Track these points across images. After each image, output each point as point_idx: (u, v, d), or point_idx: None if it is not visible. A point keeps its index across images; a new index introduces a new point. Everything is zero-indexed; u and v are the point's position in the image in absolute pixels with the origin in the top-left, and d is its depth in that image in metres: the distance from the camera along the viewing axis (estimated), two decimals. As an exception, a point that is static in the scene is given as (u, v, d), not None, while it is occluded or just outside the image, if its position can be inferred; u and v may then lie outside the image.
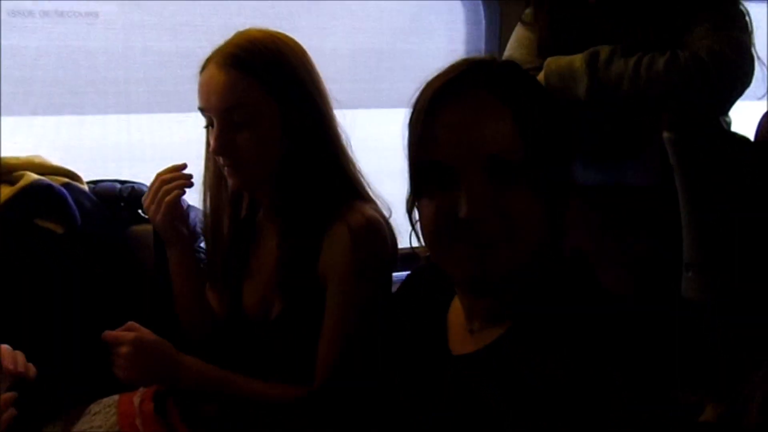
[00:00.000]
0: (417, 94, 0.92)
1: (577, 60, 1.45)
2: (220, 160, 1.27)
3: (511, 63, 1.02)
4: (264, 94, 1.22)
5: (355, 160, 1.32)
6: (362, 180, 1.32)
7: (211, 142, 1.24)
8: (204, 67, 1.26)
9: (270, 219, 1.36)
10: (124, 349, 1.16)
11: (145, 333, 1.19)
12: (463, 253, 0.88)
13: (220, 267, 1.39)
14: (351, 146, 1.32)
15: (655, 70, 1.39)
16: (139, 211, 1.58)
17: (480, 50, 2.12)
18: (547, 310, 0.86)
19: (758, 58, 1.43)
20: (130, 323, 1.20)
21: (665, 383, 0.79)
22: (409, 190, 0.95)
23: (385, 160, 2.12)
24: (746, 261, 1.21)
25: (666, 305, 1.28)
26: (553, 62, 1.49)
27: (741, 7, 1.47)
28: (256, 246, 1.38)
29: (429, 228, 0.91)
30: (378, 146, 2.13)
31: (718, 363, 1.09)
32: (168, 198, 1.32)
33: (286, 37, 1.29)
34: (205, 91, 1.25)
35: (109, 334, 1.17)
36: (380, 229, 1.25)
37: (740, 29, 1.43)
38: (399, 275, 1.30)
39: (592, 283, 0.92)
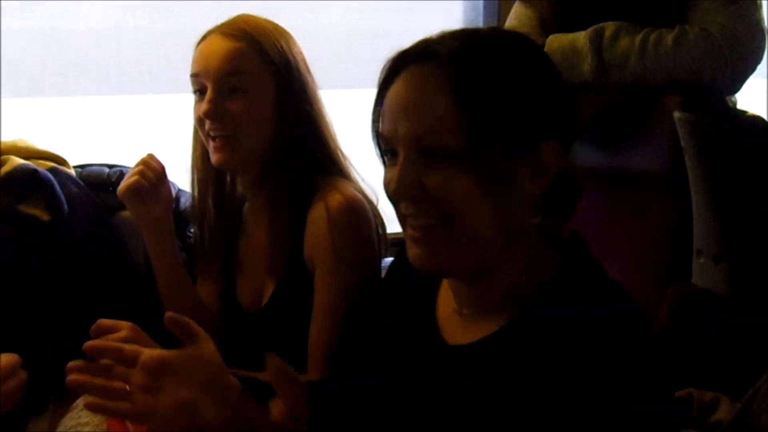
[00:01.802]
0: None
1: (581, 37, 1.41)
2: (208, 128, 1.23)
3: (474, 39, 0.88)
4: (264, 66, 1.24)
5: (341, 145, 1.32)
6: (350, 166, 1.32)
7: (203, 106, 1.22)
8: (204, 38, 1.27)
9: (256, 205, 1.34)
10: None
11: None
12: (408, 234, 0.86)
13: (210, 253, 1.36)
14: (336, 131, 1.32)
15: (663, 47, 1.34)
16: None
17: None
18: (548, 304, 0.82)
19: None
20: None
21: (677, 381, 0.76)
22: None
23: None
24: (757, 244, 1.18)
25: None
26: (555, 40, 1.44)
27: None
28: (245, 235, 1.37)
29: (390, 199, 0.88)
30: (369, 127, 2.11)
31: (733, 359, 1.06)
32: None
33: (281, 26, 1.31)
34: (204, 57, 1.24)
35: None
36: (360, 209, 1.24)
37: (750, 4, 1.39)
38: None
39: (595, 271, 0.87)
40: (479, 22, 2.10)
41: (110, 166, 1.59)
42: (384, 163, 0.88)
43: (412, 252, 0.85)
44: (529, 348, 0.80)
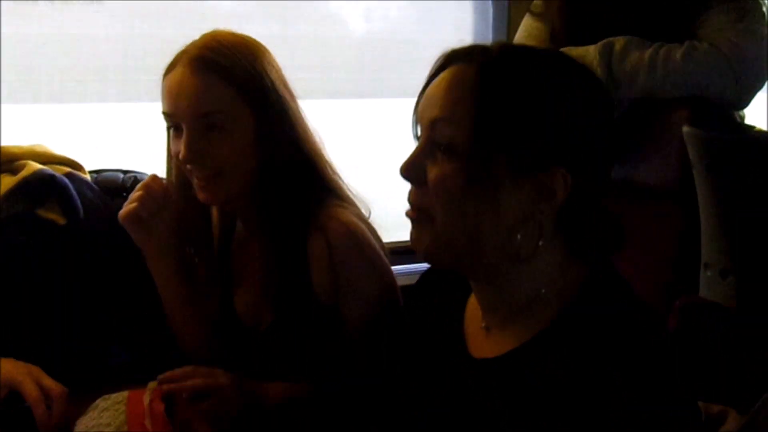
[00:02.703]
0: None
1: (591, 51, 1.42)
2: (190, 171, 1.20)
3: (507, 47, 0.93)
4: (239, 99, 1.17)
5: (331, 161, 1.27)
6: (340, 181, 1.28)
7: (180, 150, 1.17)
8: (170, 70, 1.18)
9: (250, 230, 1.30)
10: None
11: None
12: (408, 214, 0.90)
13: (204, 275, 1.34)
14: (325, 146, 1.27)
15: (672, 62, 1.36)
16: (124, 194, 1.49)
17: (488, 40, 2.10)
18: (570, 321, 0.82)
19: None
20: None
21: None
22: None
23: (388, 149, 2.12)
24: (764, 260, 1.19)
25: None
26: (565, 54, 1.45)
27: None
28: (239, 249, 1.33)
29: None
30: (383, 136, 2.12)
31: (740, 371, 1.07)
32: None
33: (254, 40, 1.24)
34: (174, 95, 1.17)
35: None
36: (361, 234, 1.21)
37: (758, 20, 1.41)
38: (398, 268, 1.30)
39: (621, 291, 0.87)
40: (488, 35, 2.11)
41: (125, 172, 1.59)
42: None
43: (410, 233, 0.89)
44: (553, 363, 0.80)
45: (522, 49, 0.97)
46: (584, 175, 0.84)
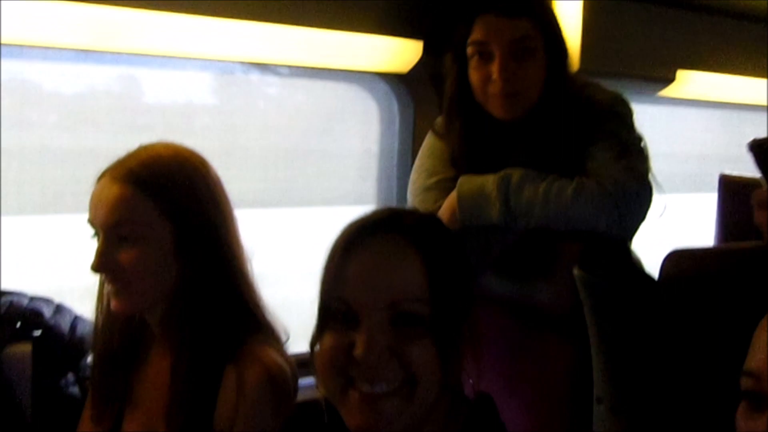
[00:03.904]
0: (336, 235, 0.94)
1: (489, 183, 1.45)
2: (105, 278, 1.19)
3: (429, 215, 1.06)
4: (158, 213, 1.16)
5: (254, 284, 1.25)
6: (261, 307, 1.25)
7: (93, 258, 1.16)
8: (99, 179, 1.20)
9: (161, 344, 1.26)
10: None
11: None
12: (355, 399, 0.88)
13: (103, 390, 1.28)
14: (252, 267, 1.25)
15: (564, 198, 1.40)
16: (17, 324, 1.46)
17: (393, 150, 2.13)
18: None
19: (656, 182, 1.48)
20: None
21: None
22: (315, 325, 0.95)
23: (293, 260, 2.09)
24: (653, 398, 1.21)
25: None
26: (465, 183, 1.48)
27: (637, 133, 1.51)
28: (145, 368, 1.28)
29: (325, 364, 0.90)
30: (288, 245, 2.09)
31: None
32: None
33: (192, 154, 1.24)
34: (94, 203, 1.18)
35: None
36: (280, 381, 1.17)
37: (639, 156, 1.48)
38: (302, 381, 1.24)
39: (498, 430, 0.94)
40: (395, 146, 2.14)
41: (0, 294, 1.49)
42: (326, 327, 0.91)
43: (359, 420, 0.87)
44: None
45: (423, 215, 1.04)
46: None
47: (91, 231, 1.20)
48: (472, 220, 1.46)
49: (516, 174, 1.45)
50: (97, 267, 1.16)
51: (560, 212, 1.40)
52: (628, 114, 1.53)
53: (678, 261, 1.19)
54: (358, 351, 0.85)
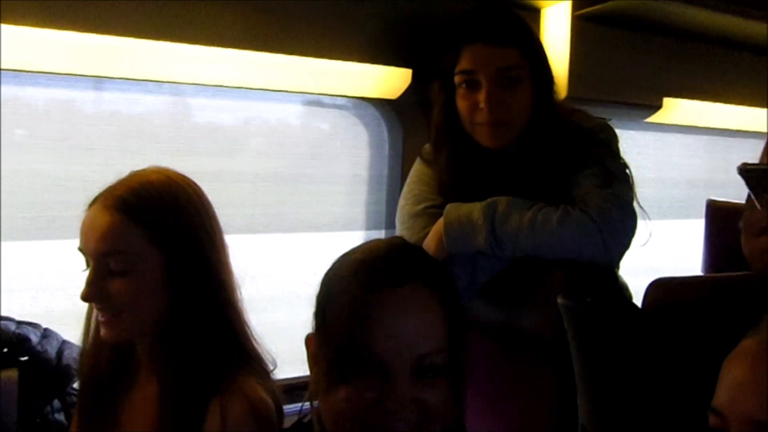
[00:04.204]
0: (346, 274, 0.94)
1: (476, 212, 1.46)
2: (95, 307, 1.19)
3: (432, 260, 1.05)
4: (149, 243, 1.16)
5: (243, 313, 1.25)
6: (250, 336, 1.25)
7: (83, 288, 1.16)
8: (90, 206, 1.19)
9: (148, 370, 1.26)
10: None
11: None
12: None
13: (89, 416, 1.27)
14: (242, 297, 1.25)
15: (549, 227, 1.42)
16: (4, 350, 1.47)
17: (383, 176, 2.14)
18: None
19: (641, 207, 1.51)
20: None
21: None
22: (326, 373, 0.93)
23: (282, 285, 2.08)
24: (636, 427, 1.21)
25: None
26: (453, 211, 1.49)
27: (622, 160, 1.54)
28: (131, 392, 1.27)
29: (347, 415, 0.91)
30: (276, 271, 2.09)
31: None
32: None
33: (184, 180, 1.23)
34: (84, 232, 1.18)
35: None
36: (265, 417, 1.16)
37: (623, 184, 1.50)
38: (288, 408, 1.23)
39: None
40: (384, 172, 2.15)
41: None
42: (343, 377, 0.90)
43: None
44: None
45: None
46: None
47: (82, 259, 1.19)
48: (459, 248, 1.46)
49: (502, 202, 1.46)
50: (87, 297, 1.16)
51: (546, 240, 1.42)
52: (614, 141, 1.55)
53: (661, 290, 1.20)
54: (389, 404, 0.88)
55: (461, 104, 1.52)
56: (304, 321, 1.01)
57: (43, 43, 1.48)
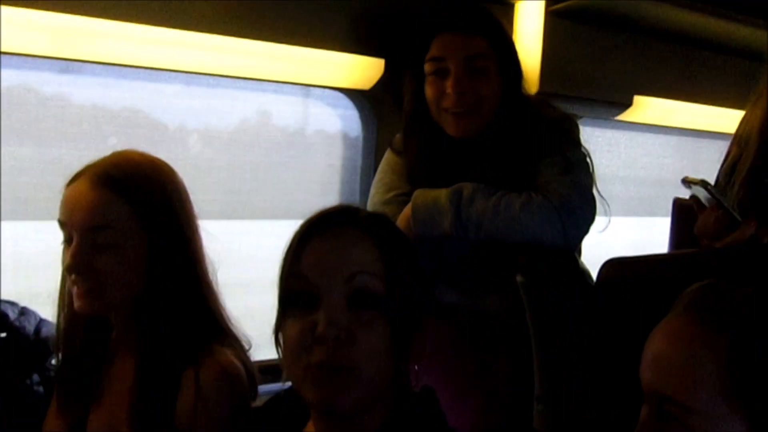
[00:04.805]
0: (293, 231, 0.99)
1: (443, 196, 1.50)
2: (72, 279, 1.20)
3: (377, 213, 1.11)
4: (134, 219, 1.19)
5: (218, 294, 1.28)
6: (225, 315, 1.28)
7: (67, 258, 1.18)
8: (72, 181, 1.21)
9: (125, 344, 1.28)
10: None
11: None
12: (316, 375, 0.92)
13: (69, 389, 1.30)
14: (217, 279, 1.29)
15: (512, 212, 1.46)
16: None
17: (356, 165, 2.17)
18: None
19: (600, 196, 1.55)
20: None
21: None
22: (277, 315, 0.99)
23: (256, 270, 2.11)
24: (587, 396, 1.27)
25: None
26: (420, 196, 1.53)
27: (583, 149, 1.58)
28: (109, 365, 1.30)
29: (290, 347, 0.95)
30: (251, 256, 2.10)
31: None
32: None
33: (163, 163, 1.27)
34: (69, 206, 1.19)
35: None
36: (231, 379, 1.20)
37: (583, 172, 1.55)
38: (264, 387, 1.28)
39: (440, 421, 1.00)
40: (357, 162, 2.18)
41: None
42: (287, 315, 0.95)
43: (319, 394, 0.92)
44: None
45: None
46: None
47: (62, 234, 1.21)
48: (425, 231, 1.50)
49: (468, 187, 1.50)
50: (71, 269, 1.17)
51: (509, 224, 1.46)
52: (575, 131, 1.59)
53: (614, 268, 1.25)
54: (320, 328, 0.90)
55: (429, 91, 1.55)
56: (274, 304, 1.04)
57: (16, 24, 1.50)
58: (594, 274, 1.68)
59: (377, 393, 0.94)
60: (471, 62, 1.51)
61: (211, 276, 1.27)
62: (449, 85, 1.51)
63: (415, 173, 1.61)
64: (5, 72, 1.69)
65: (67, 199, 1.19)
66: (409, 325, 0.96)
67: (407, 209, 1.53)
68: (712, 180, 1.54)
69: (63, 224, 1.20)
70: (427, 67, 1.55)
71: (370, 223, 0.97)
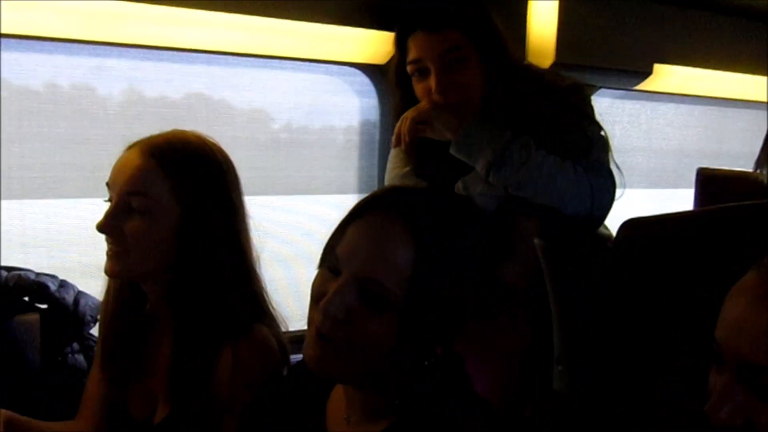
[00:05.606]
0: None
1: (496, 130, 1.49)
2: (105, 239, 1.25)
3: (421, 192, 1.09)
4: (171, 192, 1.22)
5: (260, 276, 1.32)
6: (264, 296, 1.32)
7: (100, 219, 1.23)
8: (128, 149, 1.27)
9: (162, 321, 1.32)
10: None
11: None
12: (313, 335, 0.95)
13: (112, 361, 1.35)
14: (260, 262, 1.32)
15: (552, 169, 1.46)
16: (25, 298, 1.56)
17: (374, 141, 2.20)
18: (423, 412, 0.94)
19: (617, 168, 1.56)
20: None
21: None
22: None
23: (278, 245, 2.15)
24: (606, 357, 1.27)
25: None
26: (475, 125, 1.50)
27: (597, 123, 1.57)
28: (150, 339, 1.34)
29: (311, 294, 0.98)
30: (271, 232, 2.15)
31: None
32: None
33: (217, 148, 1.31)
34: (116, 170, 1.25)
35: None
36: (267, 356, 1.24)
37: (602, 150, 1.55)
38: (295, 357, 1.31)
39: (464, 385, 1.01)
40: (375, 138, 2.21)
41: (8, 269, 1.60)
42: (321, 266, 0.99)
43: (307, 353, 0.95)
44: None
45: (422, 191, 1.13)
46: None
47: (106, 194, 1.26)
48: (463, 149, 1.49)
49: (523, 137, 1.49)
50: (102, 227, 1.22)
51: (546, 182, 1.45)
52: (587, 103, 1.58)
53: (632, 227, 1.25)
54: (323, 303, 0.92)
55: (418, 91, 1.57)
56: (297, 278, 1.08)
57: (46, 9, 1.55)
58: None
59: (376, 368, 0.94)
60: (447, 57, 1.51)
61: (252, 257, 1.31)
62: (432, 84, 1.52)
63: (421, 169, 1.62)
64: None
65: (116, 163, 1.25)
66: (430, 328, 0.94)
67: (454, 121, 1.50)
68: (740, 149, 1.54)
69: (108, 186, 1.25)
70: (410, 69, 1.56)
71: (408, 211, 0.94)
